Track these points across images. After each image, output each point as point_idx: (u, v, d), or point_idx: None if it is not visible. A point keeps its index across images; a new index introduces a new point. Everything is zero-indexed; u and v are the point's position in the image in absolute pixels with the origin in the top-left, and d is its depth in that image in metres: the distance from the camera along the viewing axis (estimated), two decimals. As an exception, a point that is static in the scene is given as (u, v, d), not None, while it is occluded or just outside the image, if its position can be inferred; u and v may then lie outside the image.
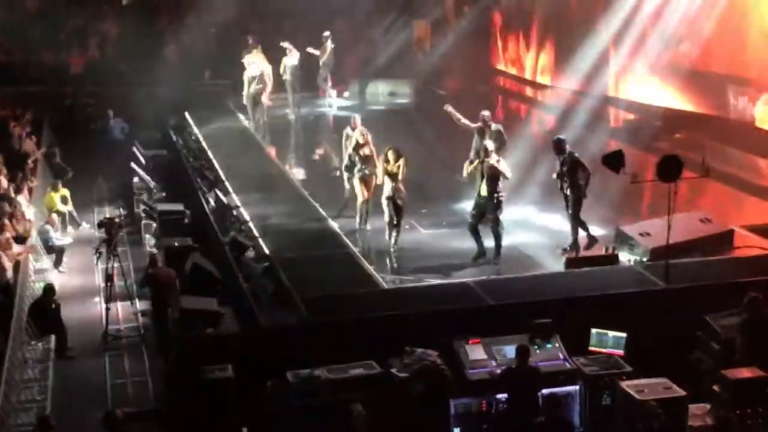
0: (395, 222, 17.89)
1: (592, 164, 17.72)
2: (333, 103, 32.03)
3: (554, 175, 17.95)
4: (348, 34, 36.63)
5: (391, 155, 17.83)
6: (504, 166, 17.57)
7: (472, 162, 18.59)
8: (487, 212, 17.48)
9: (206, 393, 12.72)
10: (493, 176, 17.38)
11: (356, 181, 19.24)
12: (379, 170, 18.29)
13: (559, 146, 17.87)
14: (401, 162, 17.78)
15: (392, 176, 17.81)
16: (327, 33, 31.31)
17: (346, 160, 19.80)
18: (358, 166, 19.14)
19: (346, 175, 19.84)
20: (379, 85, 33.73)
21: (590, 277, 15.80)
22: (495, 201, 17.37)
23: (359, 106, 32.07)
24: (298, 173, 24.53)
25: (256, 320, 14.31)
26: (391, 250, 17.93)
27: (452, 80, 34.35)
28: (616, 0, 28.31)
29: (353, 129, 19.85)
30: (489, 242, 17.69)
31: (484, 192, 17.45)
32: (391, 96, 33.55)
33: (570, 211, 17.89)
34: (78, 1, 35.50)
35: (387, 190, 17.86)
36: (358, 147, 19.30)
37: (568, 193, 17.75)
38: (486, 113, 20.21)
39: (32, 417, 13.58)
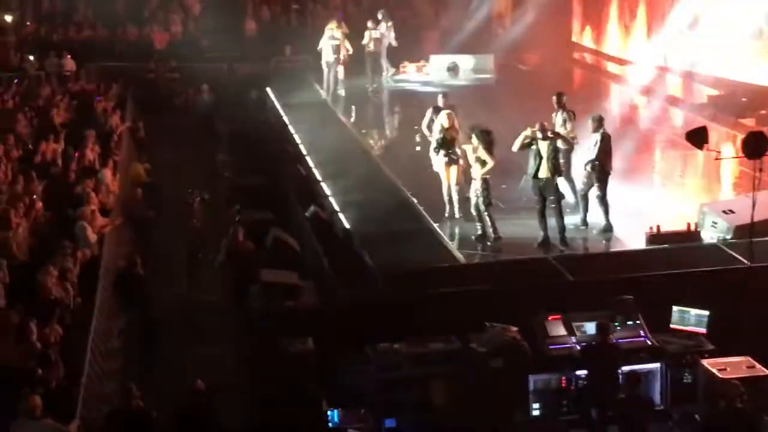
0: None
1: (676, 141, 17.49)
2: (388, 81, 31.23)
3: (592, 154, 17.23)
4: (429, 9, 36.61)
5: (475, 138, 16.92)
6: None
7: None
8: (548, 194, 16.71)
9: (287, 366, 12.81)
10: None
11: (442, 166, 18.31)
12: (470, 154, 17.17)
13: (600, 122, 17.40)
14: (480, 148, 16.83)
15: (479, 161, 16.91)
16: (381, 12, 30.81)
17: (432, 144, 18.60)
18: (444, 150, 18.09)
19: (434, 157, 18.63)
20: (461, 59, 33.53)
21: (672, 254, 15.65)
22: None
23: (438, 82, 32.01)
24: (377, 147, 24.51)
25: (337, 294, 14.37)
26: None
27: (533, 55, 34.09)
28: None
29: (438, 110, 18.98)
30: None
31: (544, 173, 16.67)
32: (472, 71, 33.35)
33: (599, 192, 17.37)
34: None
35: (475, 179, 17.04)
36: (443, 130, 18.19)
37: (596, 172, 17.30)
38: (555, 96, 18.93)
39: (116, 386, 13.81)
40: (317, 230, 16.83)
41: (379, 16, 30.39)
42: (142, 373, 14.44)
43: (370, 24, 30.12)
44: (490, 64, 33.39)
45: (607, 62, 34.46)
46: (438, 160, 18.38)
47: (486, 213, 16.87)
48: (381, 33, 30.08)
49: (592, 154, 17.17)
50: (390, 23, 30.65)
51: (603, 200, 17.36)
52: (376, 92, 30.12)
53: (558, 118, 18.22)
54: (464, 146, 17.54)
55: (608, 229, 17.36)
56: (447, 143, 18.11)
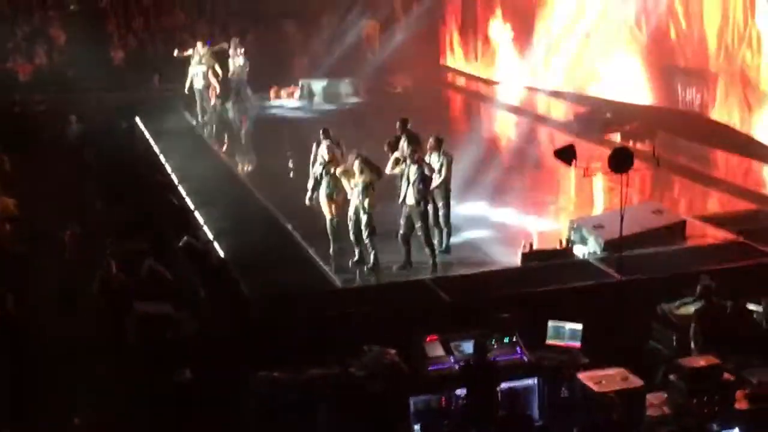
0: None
1: (544, 159, 17.79)
2: (250, 107, 31.15)
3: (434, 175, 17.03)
4: (298, 34, 36.64)
5: (358, 165, 16.84)
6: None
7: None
8: (415, 221, 16.75)
9: (171, 397, 12.67)
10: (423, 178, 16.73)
11: (323, 200, 17.90)
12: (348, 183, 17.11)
13: (439, 144, 17.45)
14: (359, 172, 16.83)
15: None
16: (234, 41, 30.89)
17: (311, 177, 18.28)
18: (325, 183, 17.80)
19: (310, 192, 18.28)
20: (328, 84, 33.65)
21: (545, 271, 15.89)
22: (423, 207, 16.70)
23: (308, 107, 32.10)
24: (251, 174, 24.40)
25: (214, 323, 14.27)
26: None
27: (403, 77, 34.36)
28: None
29: (320, 143, 18.53)
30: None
31: (410, 200, 16.70)
32: (342, 95, 33.50)
33: (442, 215, 17.49)
34: (24, 8, 35.22)
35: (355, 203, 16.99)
36: (325, 164, 17.82)
37: (439, 197, 17.42)
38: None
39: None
40: (192, 260, 16.69)
41: (233, 44, 30.34)
42: (16, 415, 14.10)
43: (231, 51, 30.08)
44: (358, 88, 33.59)
45: (476, 83, 34.93)
46: (321, 195, 17.97)
47: (368, 240, 16.86)
48: (244, 60, 30.12)
49: (438, 176, 17.23)
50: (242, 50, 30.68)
51: (448, 222, 17.56)
52: (245, 118, 30.07)
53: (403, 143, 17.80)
54: (342, 174, 17.35)
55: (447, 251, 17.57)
56: (330, 177, 17.71)
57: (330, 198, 17.79)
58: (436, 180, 17.13)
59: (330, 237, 17.89)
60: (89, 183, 23.75)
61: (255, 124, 30.05)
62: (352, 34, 36.05)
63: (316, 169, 18.09)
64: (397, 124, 18.44)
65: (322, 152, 18.03)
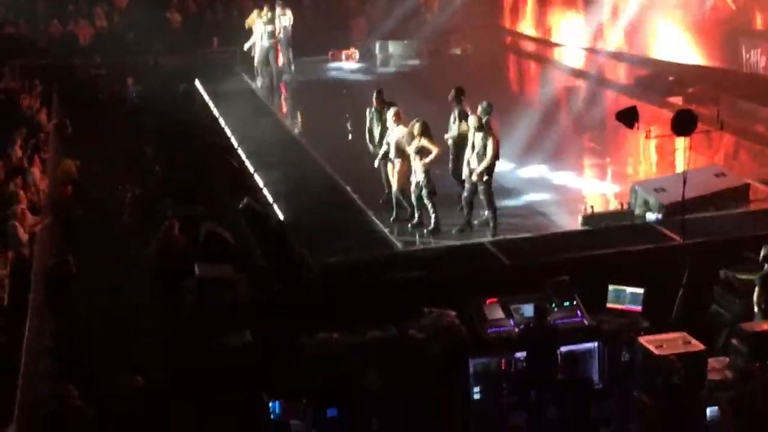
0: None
1: (605, 121, 17.69)
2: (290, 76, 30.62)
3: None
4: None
5: (417, 128, 16.84)
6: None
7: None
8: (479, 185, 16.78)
9: (226, 360, 12.76)
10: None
11: (388, 168, 17.78)
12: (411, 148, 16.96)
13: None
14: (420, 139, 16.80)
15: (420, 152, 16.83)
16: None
17: (378, 144, 18.08)
18: (389, 150, 17.51)
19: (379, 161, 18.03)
20: (389, 46, 33.57)
21: (606, 234, 15.82)
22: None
23: (368, 69, 32.05)
24: (310, 137, 24.40)
25: (272, 287, 14.35)
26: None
27: (462, 40, 34.19)
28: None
29: (376, 108, 18.41)
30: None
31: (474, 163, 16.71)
32: (400, 57, 33.42)
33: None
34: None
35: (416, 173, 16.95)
36: (414, 137, 17.14)
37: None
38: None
39: (51, 387, 13.65)
40: (251, 223, 16.77)
41: (278, 5, 30.24)
42: (76, 373, 14.28)
43: (278, 11, 29.97)
44: (417, 50, 33.47)
45: (537, 45, 34.68)
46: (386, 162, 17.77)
47: (429, 202, 16.87)
48: (289, 20, 30.06)
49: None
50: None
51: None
52: (292, 80, 30.06)
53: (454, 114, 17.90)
54: (399, 136, 17.32)
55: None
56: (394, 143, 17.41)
57: (392, 162, 17.69)
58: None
59: (393, 202, 17.91)
60: (148, 146, 23.93)
61: (315, 86, 30.04)
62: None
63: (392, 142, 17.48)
64: (452, 93, 18.10)
65: (403, 127, 17.41)
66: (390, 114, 17.48)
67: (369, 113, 18.63)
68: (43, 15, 34.50)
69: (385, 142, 17.70)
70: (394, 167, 17.50)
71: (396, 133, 17.31)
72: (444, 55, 33.06)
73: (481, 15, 35.08)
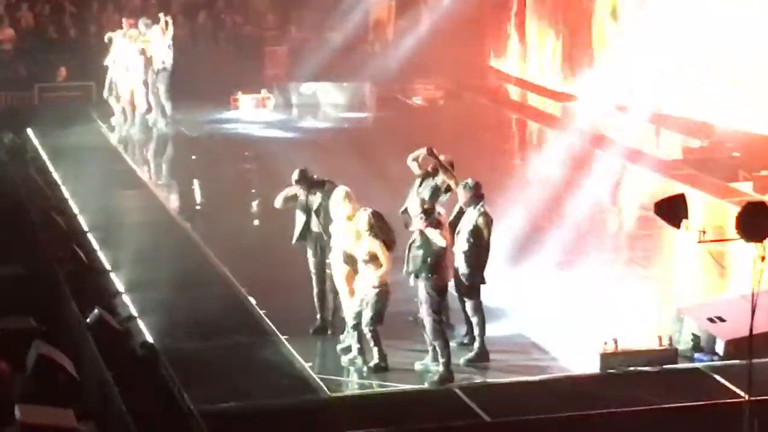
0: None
1: (639, 213, 17.83)
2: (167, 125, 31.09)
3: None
4: (273, 14, 36.91)
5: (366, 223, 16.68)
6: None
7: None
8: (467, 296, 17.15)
9: None
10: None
11: (341, 272, 17.50)
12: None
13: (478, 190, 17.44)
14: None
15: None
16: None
17: (297, 234, 18.14)
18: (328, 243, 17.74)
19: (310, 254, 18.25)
20: (319, 89, 33.78)
21: (635, 382, 15.90)
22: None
23: (287, 122, 32.25)
24: (197, 219, 24.33)
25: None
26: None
27: (429, 85, 34.53)
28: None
29: (312, 186, 18.20)
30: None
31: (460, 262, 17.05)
32: (336, 107, 33.63)
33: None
34: None
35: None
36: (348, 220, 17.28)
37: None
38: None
39: None
40: (104, 345, 16.69)
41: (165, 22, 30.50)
42: None
43: (156, 27, 30.32)
44: (362, 97, 33.67)
45: (538, 96, 35.05)
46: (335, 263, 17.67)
47: (372, 331, 16.81)
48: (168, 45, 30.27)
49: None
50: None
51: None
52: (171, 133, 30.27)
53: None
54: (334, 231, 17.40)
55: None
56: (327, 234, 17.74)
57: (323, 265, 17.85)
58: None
59: (319, 318, 18.03)
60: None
61: (206, 144, 30.12)
62: (354, 17, 36.24)
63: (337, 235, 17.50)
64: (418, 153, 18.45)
65: (341, 207, 17.43)
66: (339, 196, 17.35)
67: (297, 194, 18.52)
68: None
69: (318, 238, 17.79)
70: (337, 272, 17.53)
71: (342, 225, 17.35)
72: (403, 106, 33.32)
73: (458, 49, 35.40)
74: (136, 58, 29.27)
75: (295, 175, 17.96)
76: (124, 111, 29.64)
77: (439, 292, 16.39)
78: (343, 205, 17.34)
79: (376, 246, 16.68)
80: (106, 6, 36.42)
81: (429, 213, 16.43)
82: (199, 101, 32.00)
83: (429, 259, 16.29)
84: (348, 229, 17.11)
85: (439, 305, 16.45)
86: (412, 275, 16.48)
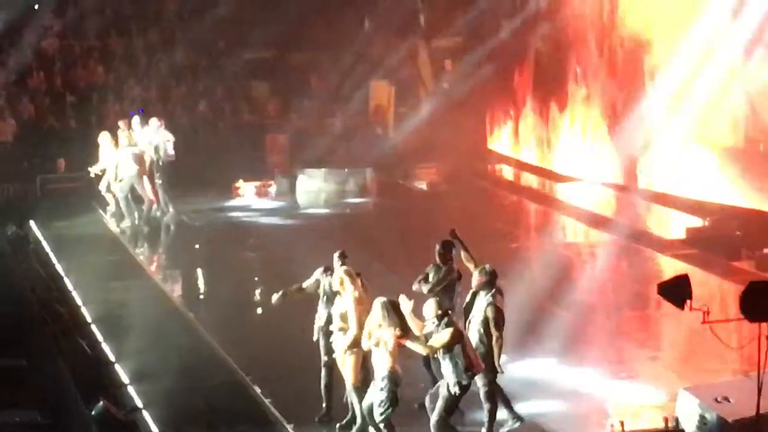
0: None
1: (641, 295, 17.80)
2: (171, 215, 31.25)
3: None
4: (274, 101, 37.04)
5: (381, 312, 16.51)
6: None
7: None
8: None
9: None
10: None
11: (340, 356, 17.48)
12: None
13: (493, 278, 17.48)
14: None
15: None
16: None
17: (320, 320, 17.99)
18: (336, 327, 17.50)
19: (321, 342, 17.99)
20: (320, 176, 33.84)
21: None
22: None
23: (289, 209, 32.28)
24: (201, 310, 24.37)
25: None
26: None
27: (431, 170, 34.60)
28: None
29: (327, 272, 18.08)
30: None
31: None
32: (338, 193, 33.68)
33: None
34: None
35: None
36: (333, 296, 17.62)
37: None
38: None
39: None
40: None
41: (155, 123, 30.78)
42: None
43: (155, 123, 30.69)
44: (362, 182, 33.75)
45: (540, 178, 35.13)
46: (340, 351, 17.53)
47: (384, 425, 16.71)
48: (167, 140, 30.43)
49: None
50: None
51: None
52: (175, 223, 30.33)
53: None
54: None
55: None
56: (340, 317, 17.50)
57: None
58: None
59: (324, 406, 17.92)
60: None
61: (207, 233, 30.19)
62: (354, 104, 36.37)
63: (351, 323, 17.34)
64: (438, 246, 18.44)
65: (331, 280, 17.74)
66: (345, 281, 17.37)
67: (320, 283, 18.44)
68: None
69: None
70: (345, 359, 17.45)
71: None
72: (404, 191, 33.36)
73: (458, 132, 35.50)
74: (127, 158, 29.28)
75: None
76: (118, 204, 29.66)
77: (462, 388, 16.31)
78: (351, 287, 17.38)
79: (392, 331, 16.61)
80: (107, 96, 36.59)
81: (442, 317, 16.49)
82: (201, 190, 32.13)
83: (459, 363, 16.25)
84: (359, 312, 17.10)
85: (454, 406, 16.41)
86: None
